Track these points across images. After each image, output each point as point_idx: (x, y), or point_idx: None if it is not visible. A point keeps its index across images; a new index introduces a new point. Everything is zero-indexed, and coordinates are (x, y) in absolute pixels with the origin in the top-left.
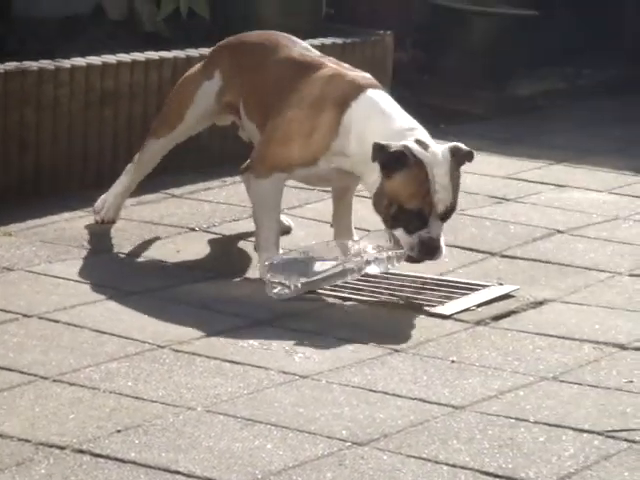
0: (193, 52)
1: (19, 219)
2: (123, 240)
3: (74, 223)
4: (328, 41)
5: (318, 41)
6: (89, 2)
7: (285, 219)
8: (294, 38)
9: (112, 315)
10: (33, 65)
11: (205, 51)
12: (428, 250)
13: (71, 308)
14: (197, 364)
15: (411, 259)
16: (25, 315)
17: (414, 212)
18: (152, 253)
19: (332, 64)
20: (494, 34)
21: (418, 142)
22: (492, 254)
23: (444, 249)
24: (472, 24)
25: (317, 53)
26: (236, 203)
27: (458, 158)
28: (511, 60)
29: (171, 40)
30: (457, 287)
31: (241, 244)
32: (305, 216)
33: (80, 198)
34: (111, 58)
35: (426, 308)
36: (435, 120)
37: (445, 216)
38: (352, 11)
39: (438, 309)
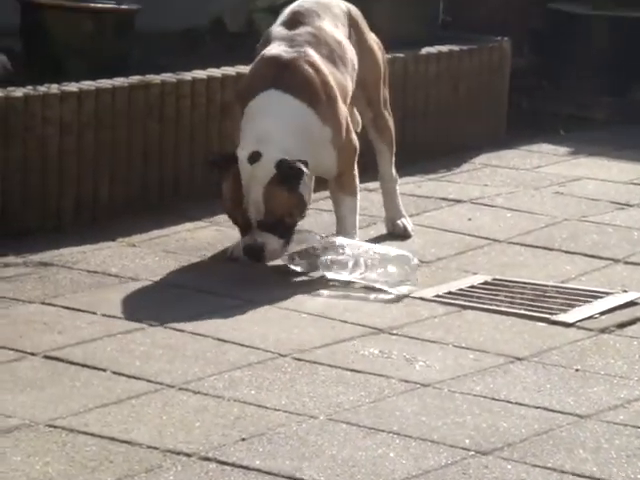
0: None
1: (142, 230)
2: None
3: (196, 233)
4: (445, 48)
5: (435, 48)
6: (209, 15)
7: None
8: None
9: (234, 324)
10: (156, 78)
11: None
12: (251, 256)
13: (195, 317)
14: (319, 373)
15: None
16: (151, 324)
17: (232, 219)
18: (273, 263)
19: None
20: (614, 38)
21: (253, 155)
22: (615, 261)
23: (277, 252)
24: (591, 28)
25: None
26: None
27: (282, 173)
28: (631, 64)
29: None
30: (580, 294)
31: None
32: (423, 224)
33: (202, 208)
34: (230, 70)
35: (548, 316)
36: (554, 126)
37: (264, 226)
38: (469, 18)
39: (561, 317)
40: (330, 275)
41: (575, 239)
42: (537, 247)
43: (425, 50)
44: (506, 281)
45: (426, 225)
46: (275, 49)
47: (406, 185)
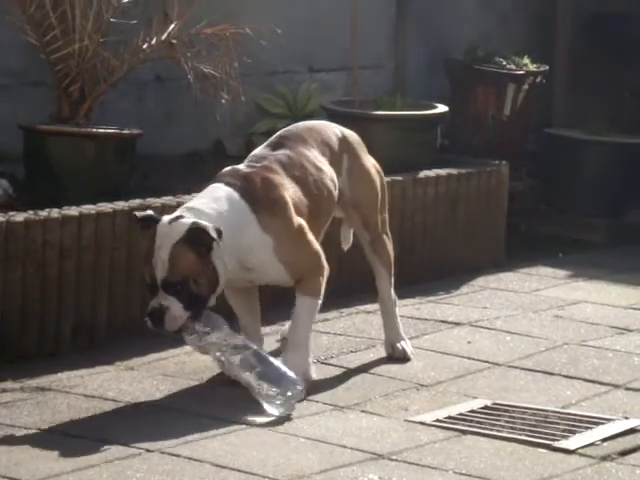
0: None
1: (140, 353)
2: None
3: (194, 356)
4: (443, 172)
5: (433, 172)
6: (209, 138)
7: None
8: None
9: (232, 449)
10: (156, 201)
11: None
12: (153, 319)
13: (192, 442)
14: None
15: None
16: (147, 450)
17: (143, 279)
18: None
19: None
20: (609, 162)
21: (174, 218)
22: (616, 386)
23: (178, 320)
24: (587, 153)
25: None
26: (353, 334)
27: (191, 234)
28: (626, 188)
29: None
30: (581, 420)
31: (360, 375)
32: (422, 347)
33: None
34: None
35: (549, 442)
36: (552, 249)
37: (168, 286)
38: (466, 141)
39: (562, 443)
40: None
41: (575, 363)
42: (537, 371)
43: (423, 173)
44: (506, 406)
45: (425, 348)
46: (241, 164)
47: (405, 307)
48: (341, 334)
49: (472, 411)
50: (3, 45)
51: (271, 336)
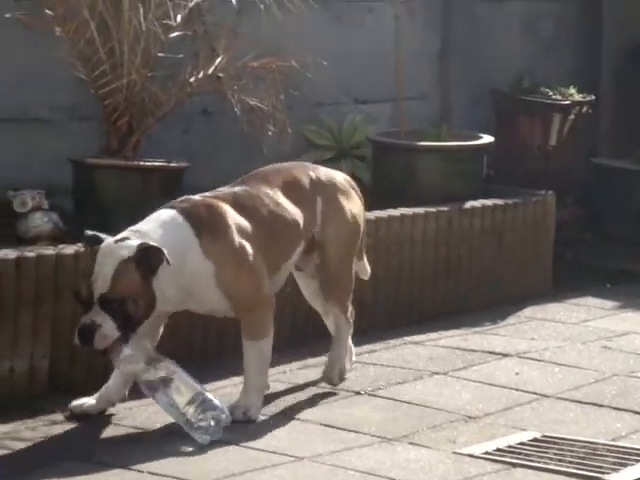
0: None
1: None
2: (289, 404)
3: (239, 389)
4: (489, 202)
5: (479, 202)
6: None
7: None
8: None
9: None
10: None
11: (368, 216)
12: (83, 336)
13: (240, 474)
14: None
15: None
16: None
17: (76, 294)
18: (318, 417)
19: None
20: None
21: (120, 239)
22: None
23: (108, 339)
24: (634, 182)
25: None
26: (400, 365)
27: (141, 254)
28: None
29: None
30: (630, 453)
31: (407, 407)
32: (470, 378)
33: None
34: None
35: (599, 475)
36: (599, 279)
37: (104, 302)
38: (512, 171)
39: (611, 476)
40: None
41: (625, 395)
42: (586, 403)
43: (469, 204)
44: (555, 438)
45: (473, 379)
46: (196, 195)
47: (452, 338)
48: (388, 365)
49: (521, 443)
50: (53, 80)
51: (317, 368)
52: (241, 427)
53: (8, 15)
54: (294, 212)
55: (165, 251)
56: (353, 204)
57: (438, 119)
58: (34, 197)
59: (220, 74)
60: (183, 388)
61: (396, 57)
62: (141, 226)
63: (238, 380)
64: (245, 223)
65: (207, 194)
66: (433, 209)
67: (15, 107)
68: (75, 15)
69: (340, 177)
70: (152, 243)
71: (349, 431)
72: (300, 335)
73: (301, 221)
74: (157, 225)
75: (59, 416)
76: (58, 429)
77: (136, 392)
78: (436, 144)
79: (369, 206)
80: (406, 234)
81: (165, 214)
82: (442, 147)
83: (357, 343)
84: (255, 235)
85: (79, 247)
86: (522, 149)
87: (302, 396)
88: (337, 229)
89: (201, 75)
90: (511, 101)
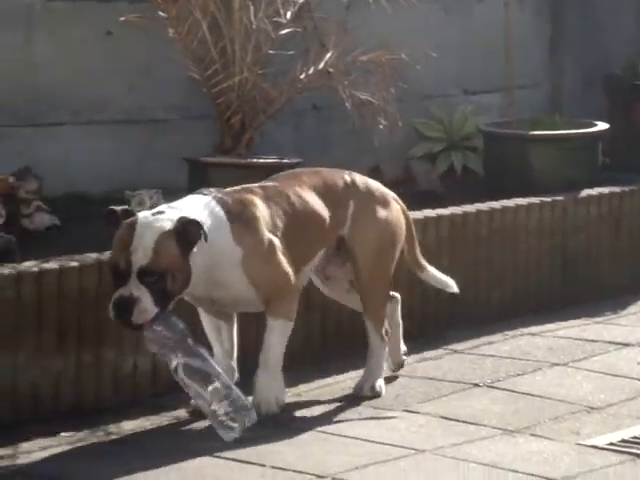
0: (469, 208)
1: (307, 380)
2: (408, 397)
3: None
4: (606, 190)
5: (595, 190)
6: (366, 165)
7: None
8: None
9: (403, 475)
10: None
11: (481, 207)
12: (120, 309)
13: (362, 468)
14: None
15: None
16: (319, 476)
17: (112, 266)
18: (438, 410)
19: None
20: None
21: (157, 212)
22: None
23: (147, 314)
24: None
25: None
26: (519, 357)
27: (181, 227)
28: None
29: (446, 197)
30: None
31: (528, 399)
32: (591, 368)
33: (364, 357)
34: None
35: None
36: None
37: (144, 275)
38: (628, 159)
39: None
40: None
41: None
42: None
43: (585, 192)
44: None
45: (594, 370)
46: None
47: (571, 329)
48: (506, 357)
49: None
50: (167, 81)
51: (435, 360)
52: (360, 421)
53: (123, 18)
54: (324, 213)
55: (204, 225)
56: (389, 212)
57: (549, 107)
58: (151, 196)
59: (330, 69)
60: (216, 383)
61: (506, 46)
62: (176, 203)
63: (355, 374)
64: (274, 216)
65: (237, 187)
66: (548, 198)
67: (132, 108)
68: (187, 16)
69: (378, 185)
70: (192, 217)
71: (469, 423)
72: (417, 328)
73: (328, 221)
74: (192, 204)
75: (183, 413)
76: (182, 425)
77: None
78: (550, 133)
79: (484, 197)
80: (521, 224)
81: (198, 198)
82: (557, 136)
83: (474, 335)
84: (280, 228)
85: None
86: (638, 135)
87: (420, 389)
88: (368, 234)
89: (311, 71)
90: (625, 87)
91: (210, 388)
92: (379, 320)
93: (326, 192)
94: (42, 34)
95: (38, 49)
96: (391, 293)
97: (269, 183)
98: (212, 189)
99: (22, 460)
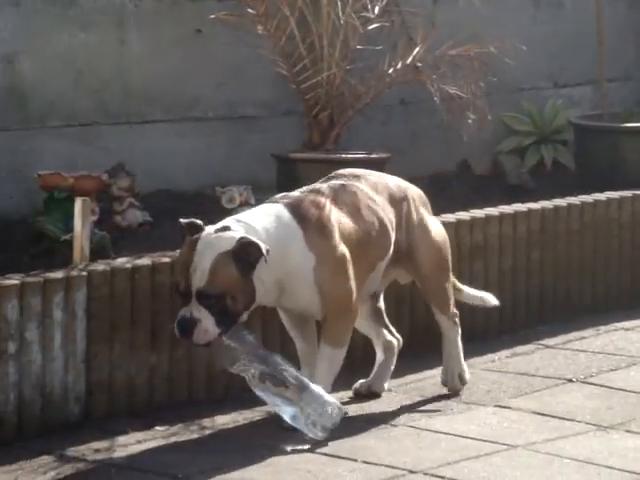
0: (560, 202)
1: (398, 375)
2: (500, 392)
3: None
4: None
5: None
6: (455, 159)
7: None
8: None
9: (496, 470)
10: None
11: (573, 201)
12: (182, 329)
13: (455, 463)
14: None
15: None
16: (411, 471)
17: (175, 286)
18: (530, 405)
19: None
20: None
21: (221, 228)
22: None
23: (208, 335)
24: None
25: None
26: (612, 352)
27: (240, 248)
28: None
29: (536, 191)
30: None
31: (622, 394)
32: None
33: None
34: (479, 212)
35: None
36: None
37: (202, 297)
38: None
39: None
40: (258, 390)
41: None
42: None
43: None
44: None
45: None
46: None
47: None
48: (600, 352)
49: None
50: (255, 78)
51: (526, 356)
52: (452, 416)
53: (212, 16)
54: (388, 211)
55: (263, 247)
56: (439, 224)
57: None
58: (241, 193)
59: (418, 64)
60: (292, 386)
61: (598, 38)
62: (244, 216)
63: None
64: (345, 219)
65: (304, 189)
66: (638, 192)
67: (221, 105)
68: (276, 13)
69: (420, 191)
70: (252, 238)
71: (563, 419)
72: (508, 323)
73: (391, 225)
74: (261, 215)
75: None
76: (275, 420)
77: (348, 381)
78: None
79: (575, 191)
80: (613, 218)
81: (269, 207)
82: None
83: (566, 330)
84: (352, 230)
85: None
86: None
87: (511, 384)
88: (427, 235)
89: (399, 66)
90: None
91: (288, 393)
92: (449, 312)
93: (383, 191)
94: (134, 33)
95: (130, 48)
96: (389, 339)
97: (333, 182)
98: (281, 194)
99: (118, 453)
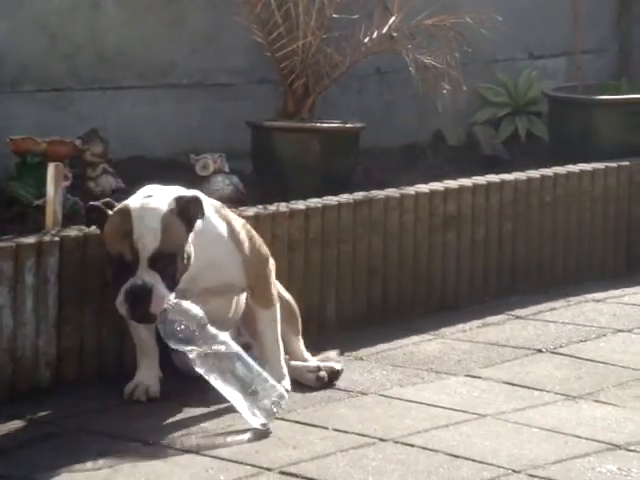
0: (534, 173)
1: (369, 344)
2: (471, 362)
3: (422, 346)
4: None
5: None
6: (429, 130)
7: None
8: None
9: (465, 439)
10: (380, 194)
11: (546, 172)
12: (136, 299)
13: (425, 432)
14: None
15: (129, 317)
16: (381, 439)
17: (115, 259)
18: (500, 375)
19: None
20: None
21: (147, 195)
22: None
23: (163, 300)
24: None
25: None
26: (583, 323)
27: (181, 204)
28: None
29: (510, 162)
30: None
31: (591, 365)
32: None
33: (426, 321)
34: (453, 183)
35: None
36: None
37: (154, 262)
38: None
39: None
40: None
41: None
42: None
43: None
44: None
45: None
46: None
47: (636, 295)
48: (570, 323)
49: None
50: (230, 45)
51: (497, 326)
52: (423, 385)
53: None
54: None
55: (203, 201)
56: None
57: (616, 72)
58: (215, 160)
59: (394, 33)
60: (241, 369)
61: (573, 10)
62: (154, 187)
63: (418, 339)
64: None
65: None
66: (614, 164)
67: (196, 72)
68: None
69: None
70: (189, 194)
71: (532, 389)
72: (479, 293)
73: None
74: (174, 188)
75: None
76: None
77: (320, 351)
78: (616, 97)
79: (546, 162)
80: (586, 190)
81: (168, 187)
82: (623, 100)
83: (537, 301)
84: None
85: (259, 209)
86: None
87: (482, 354)
88: None
89: (375, 35)
90: None
91: (237, 375)
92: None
93: None
94: None
95: (104, 13)
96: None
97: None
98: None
99: (88, 419)
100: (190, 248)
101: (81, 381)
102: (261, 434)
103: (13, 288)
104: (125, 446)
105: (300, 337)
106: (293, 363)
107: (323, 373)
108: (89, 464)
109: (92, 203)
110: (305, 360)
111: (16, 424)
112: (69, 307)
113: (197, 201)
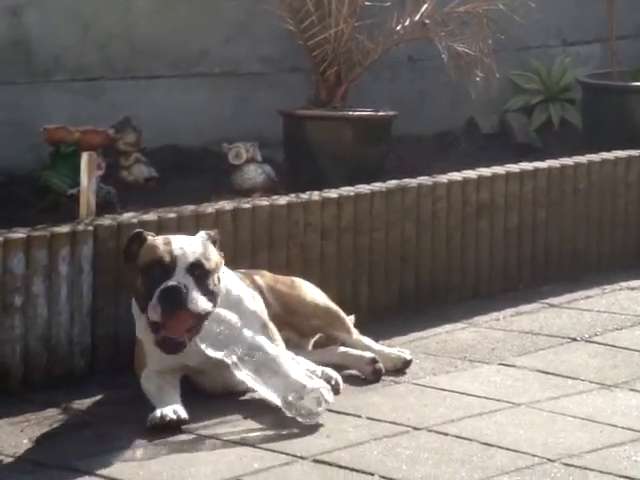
0: (567, 161)
1: (401, 332)
2: (504, 351)
3: (455, 335)
4: None
5: None
6: (462, 118)
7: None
8: None
9: (499, 428)
10: (412, 182)
11: (580, 160)
12: (170, 298)
13: (458, 420)
14: (590, 479)
15: (157, 323)
16: (415, 428)
17: (154, 265)
18: (534, 363)
19: None
20: None
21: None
22: None
23: (201, 304)
24: None
25: None
26: (618, 311)
27: (213, 237)
28: None
29: (543, 150)
30: None
31: (627, 353)
32: None
33: (460, 309)
34: (486, 171)
35: None
36: None
37: (191, 268)
38: None
39: None
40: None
41: None
42: None
43: None
44: None
45: None
46: None
47: None
48: (604, 311)
49: None
50: (262, 34)
51: (531, 314)
52: (456, 373)
53: None
54: None
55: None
56: None
57: None
58: (248, 149)
59: (426, 20)
60: (279, 372)
61: None
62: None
63: (450, 327)
64: None
65: None
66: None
67: (228, 61)
68: None
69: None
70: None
71: (567, 377)
72: (513, 281)
73: None
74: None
75: None
76: None
77: None
78: None
79: (582, 150)
80: (620, 177)
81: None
82: None
83: (571, 289)
84: None
85: (292, 198)
86: None
87: (516, 342)
88: None
89: (407, 22)
90: None
91: (278, 377)
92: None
93: None
94: None
95: (136, 2)
96: None
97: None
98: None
99: (122, 406)
100: (222, 281)
101: (115, 369)
102: (296, 424)
103: (47, 277)
104: (160, 434)
105: (353, 331)
106: (351, 352)
107: (380, 365)
108: (124, 452)
109: (139, 230)
110: (368, 349)
111: (51, 412)
112: (103, 296)
113: (216, 239)
